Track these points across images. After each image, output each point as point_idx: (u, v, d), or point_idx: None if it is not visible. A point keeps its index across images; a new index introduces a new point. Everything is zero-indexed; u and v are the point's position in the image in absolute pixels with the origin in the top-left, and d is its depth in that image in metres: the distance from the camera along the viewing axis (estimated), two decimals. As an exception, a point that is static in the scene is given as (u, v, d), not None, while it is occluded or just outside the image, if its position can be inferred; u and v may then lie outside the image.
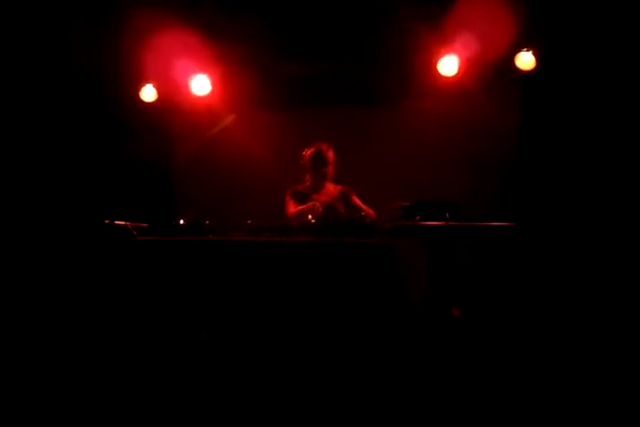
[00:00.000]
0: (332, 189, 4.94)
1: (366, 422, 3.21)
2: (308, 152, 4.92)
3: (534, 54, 5.35)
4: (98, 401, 3.46)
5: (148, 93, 6.14)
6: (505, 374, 3.54)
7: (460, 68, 5.54)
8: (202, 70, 6.01)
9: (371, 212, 4.62)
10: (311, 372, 3.50)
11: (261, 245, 3.83)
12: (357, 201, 4.83)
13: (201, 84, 6.04)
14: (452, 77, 5.59)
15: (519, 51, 5.38)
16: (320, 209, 4.45)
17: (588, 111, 5.15)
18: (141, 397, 3.50)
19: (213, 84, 6.07)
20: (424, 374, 3.45)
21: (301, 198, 4.83)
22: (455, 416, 3.25)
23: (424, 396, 3.36)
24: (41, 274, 4.31)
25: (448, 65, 5.54)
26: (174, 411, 3.36)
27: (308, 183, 4.97)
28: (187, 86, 6.09)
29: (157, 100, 6.20)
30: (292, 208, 4.78)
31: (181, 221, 4.19)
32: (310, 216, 4.27)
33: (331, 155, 4.90)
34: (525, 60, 5.37)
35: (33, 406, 3.43)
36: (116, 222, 4.09)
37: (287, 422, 3.25)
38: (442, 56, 5.53)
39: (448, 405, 3.32)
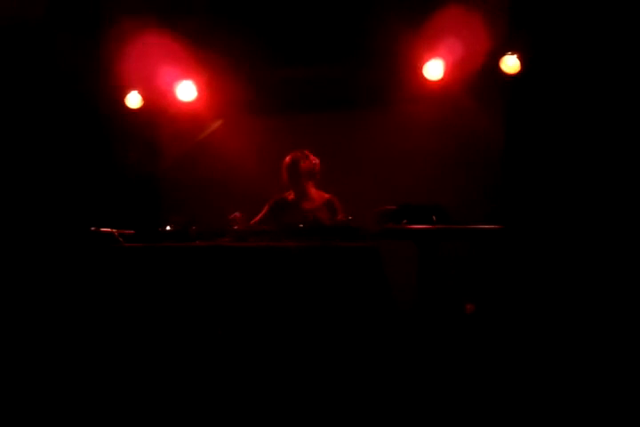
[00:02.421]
0: (316, 196, 4.86)
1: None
2: (283, 162, 4.86)
3: (519, 58, 5.37)
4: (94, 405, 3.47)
5: (134, 100, 6.12)
6: (491, 379, 3.54)
7: (445, 73, 5.56)
8: (187, 76, 6.00)
9: None
10: (301, 374, 3.49)
11: (248, 251, 3.82)
12: (340, 215, 4.72)
13: (187, 90, 6.04)
14: (438, 82, 5.60)
15: (504, 54, 5.40)
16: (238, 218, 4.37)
17: (573, 113, 5.17)
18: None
19: (199, 90, 6.07)
20: (411, 375, 3.44)
21: (283, 207, 4.80)
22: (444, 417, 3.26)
23: (407, 396, 3.36)
24: (27, 282, 4.29)
25: (433, 69, 5.55)
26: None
27: (292, 191, 4.91)
28: (172, 92, 6.08)
29: (143, 107, 6.18)
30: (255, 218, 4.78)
31: (168, 228, 4.17)
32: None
33: (307, 163, 4.80)
34: (510, 64, 5.39)
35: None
36: (102, 229, 4.07)
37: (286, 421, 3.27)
38: (427, 60, 5.55)
39: (434, 405, 3.32)
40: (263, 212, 4.86)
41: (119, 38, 5.63)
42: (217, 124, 6.42)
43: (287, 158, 4.85)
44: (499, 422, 3.27)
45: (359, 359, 3.44)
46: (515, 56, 5.37)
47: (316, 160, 4.86)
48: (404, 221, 3.82)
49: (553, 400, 3.38)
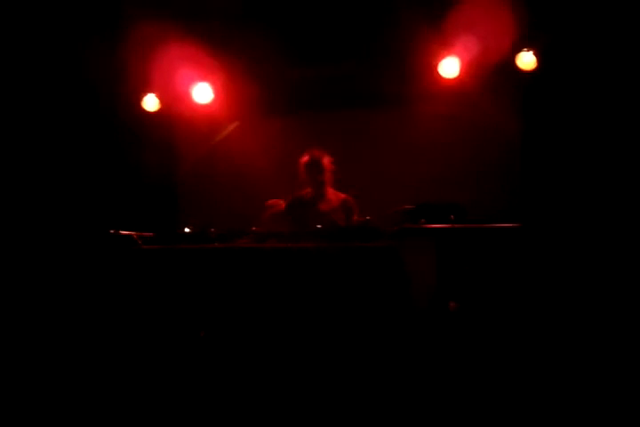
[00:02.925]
0: (333, 197, 4.85)
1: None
2: (301, 161, 4.87)
3: (535, 54, 5.33)
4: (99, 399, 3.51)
5: (151, 103, 6.15)
6: (505, 377, 3.52)
7: (461, 70, 5.53)
8: (203, 78, 6.02)
9: None
10: (318, 375, 3.49)
11: (266, 252, 3.82)
12: (355, 216, 4.72)
13: (203, 93, 6.05)
14: (454, 79, 5.58)
15: (520, 51, 5.36)
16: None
17: (590, 110, 5.12)
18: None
19: (215, 92, 6.08)
20: (428, 375, 3.43)
21: (299, 206, 4.80)
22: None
23: (425, 395, 3.36)
24: (47, 284, 4.33)
25: (449, 67, 5.52)
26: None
27: (309, 191, 4.89)
28: (189, 95, 6.10)
29: (160, 110, 6.21)
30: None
31: (186, 230, 4.19)
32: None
33: (325, 161, 4.79)
34: (526, 60, 5.36)
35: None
36: (122, 232, 4.10)
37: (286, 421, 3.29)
38: (443, 58, 5.53)
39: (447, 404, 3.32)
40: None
41: (136, 41, 5.65)
42: (233, 125, 6.44)
43: (306, 157, 4.83)
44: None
45: (379, 358, 3.44)
46: (531, 52, 5.33)
47: (332, 159, 4.86)
48: (422, 220, 3.81)
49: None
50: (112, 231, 4.09)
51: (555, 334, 3.74)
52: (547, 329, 3.73)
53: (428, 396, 3.38)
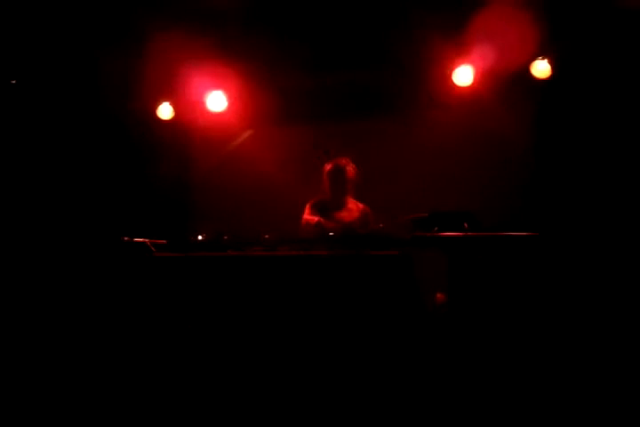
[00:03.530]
0: (353, 206, 4.86)
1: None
2: (326, 168, 4.88)
3: (550, 62, 5.31)
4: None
5: (165, 111, 6.19)
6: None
7: (475, 78, 5.53)
8: (218, 86, 6.05)
9: None
10: (329, 382, 3.49)
11: (279, 260, 3.82)
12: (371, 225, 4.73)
13: (217, 101, 6.08)
14: (468, 87, 5.57)
15: (535, 59, 5.35)
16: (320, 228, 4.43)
17: (604, 119, 5.10)
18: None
19: (229, 100, 6.10)
20: (438, 382, 3.42)
21: (322, 211, 4.77)
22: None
23: (436, 400, 3.35)
24: (61, 290, 4.36)
25: (463, 75, 5.53)
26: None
27: (329, 197, 4.88)
28: (203, 103, 6.12)
29: (174, 118, 6.25)
30: (307, 215, 4.75)
31: (199, 237, 4.20)
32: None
33: (350, 170, 4.81)
34: (541, 69, 5.34)
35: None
36: (135, 239, 4.11)
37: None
38: (457, 66, 5.52)
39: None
40: (308, 211, 4.81)
41: (150, 50, 5.68)
42: (247, 133, 6.45)
43: (330, 165, 4.84)
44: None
45: (389, 366, 3.43)
46: (545, 61, 5.31)
47: (356, 169, 4.85)
48: (435, 228, 3.80)
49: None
50: (126, 238, 4.10)
51: (570, 342, 3.71)
52: (562, 338, 3.70)
53: (438, 400, 3.36)
